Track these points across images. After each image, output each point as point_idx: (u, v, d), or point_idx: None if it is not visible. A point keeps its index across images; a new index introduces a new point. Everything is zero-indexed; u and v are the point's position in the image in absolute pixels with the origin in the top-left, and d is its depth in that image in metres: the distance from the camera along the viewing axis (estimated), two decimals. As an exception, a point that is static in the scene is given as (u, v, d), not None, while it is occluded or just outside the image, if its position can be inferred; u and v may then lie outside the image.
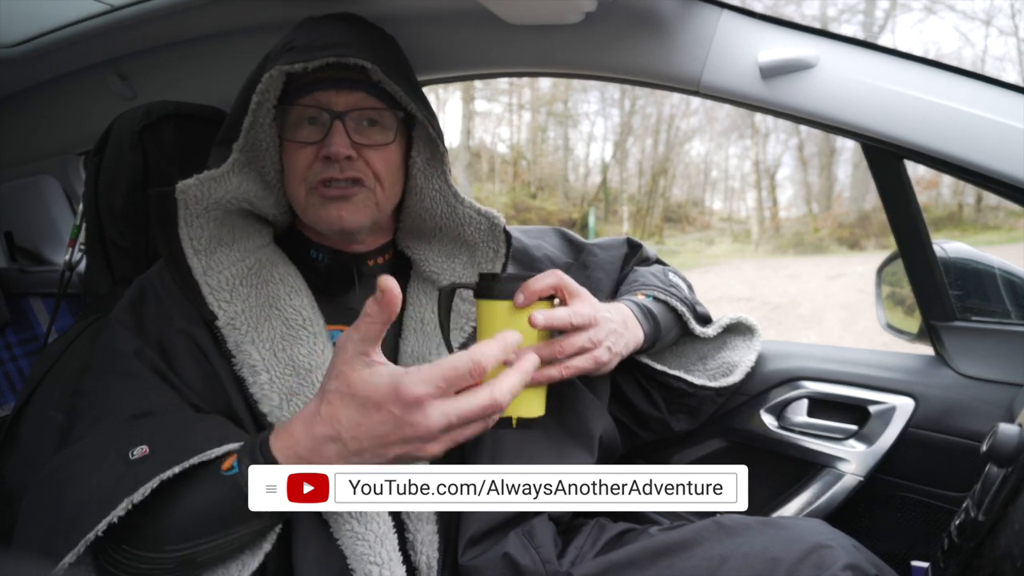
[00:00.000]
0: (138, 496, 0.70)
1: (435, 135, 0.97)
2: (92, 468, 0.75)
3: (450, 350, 0.91)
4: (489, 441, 0.94)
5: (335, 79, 0.92)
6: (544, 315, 0.82)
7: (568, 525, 1.02)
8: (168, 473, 0.72)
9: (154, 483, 0.71)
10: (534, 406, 0.85)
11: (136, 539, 0.73)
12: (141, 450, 0.75)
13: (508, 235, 1.02)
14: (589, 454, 0.99)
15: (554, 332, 0.87)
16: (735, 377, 1.18)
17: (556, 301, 0.88)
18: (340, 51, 0.90)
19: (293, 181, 0.94)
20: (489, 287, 0.84)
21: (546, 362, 0.84)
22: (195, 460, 0.74)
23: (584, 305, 0.88)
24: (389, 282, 0.67)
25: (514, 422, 0.83)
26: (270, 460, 0.72)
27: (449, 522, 0.91)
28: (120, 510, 0.69)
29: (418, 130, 0.99)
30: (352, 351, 0.69)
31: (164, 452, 0.74)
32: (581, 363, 0.87)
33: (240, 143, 0.90)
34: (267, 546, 0.79)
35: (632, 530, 0.99)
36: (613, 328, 0.92)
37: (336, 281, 0.99)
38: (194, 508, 0.74)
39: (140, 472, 0.72)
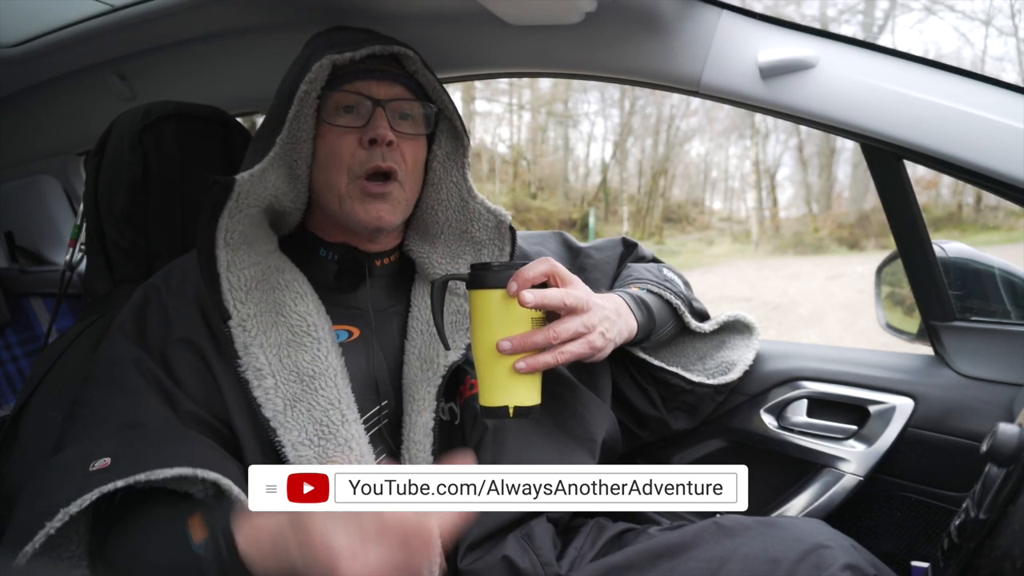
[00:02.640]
0: (74, 508, 0.69)
1: (461, 129, 1.01)
2: (58, 480, 0.75)
3: (444, 342, 0.91)
4: (490, 443, 0.94)
5: (375, 71, 0.95)
6: (534, 293, 0.82)
7: (567, 526, 1.02)
8: (110, 486, 0.71)
9: (94, 495, 0.70)
10: (530, 395, 0.85)
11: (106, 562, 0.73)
12: (102, 462, 0.74)
13: (513, 232, 1.03)
14: (590, 456, 0.99)
15: (547, 319, 0.87)
16: (733, 375, 1.18)
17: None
18: (383, 41, 0.95)
19: (335, 168, 0.94)
20: (482, 277, 0.84)
21: (540, 349, 0.85)
22: (141, 477, 0.72)
23: (577, 290, 0.89)
24: None
25: (511, 411, 0.83)
26: (230, 541, 0.67)
27: None
28: (56, 521, 0.68)
29: (441, 124, 1.02)
30: None
31: (122, 465, 0.73)
32: (576, 348, 0.87)
33: (283, 135, 0.91)
34: None
35: (631, 530, 0.99)
36: (606, 315, 0.92)
37: (346, 280, 1.00)
38: (150, 555, 0.72)
39: (89, 483, 0.71)
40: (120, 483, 0.72)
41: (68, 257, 1.43)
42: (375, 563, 0.59)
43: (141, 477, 0.73)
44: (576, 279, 0.91)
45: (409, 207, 1.00)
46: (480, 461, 0.93)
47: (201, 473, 0.75)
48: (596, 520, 1.02)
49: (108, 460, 0.74)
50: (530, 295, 0.82)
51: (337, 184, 0.94)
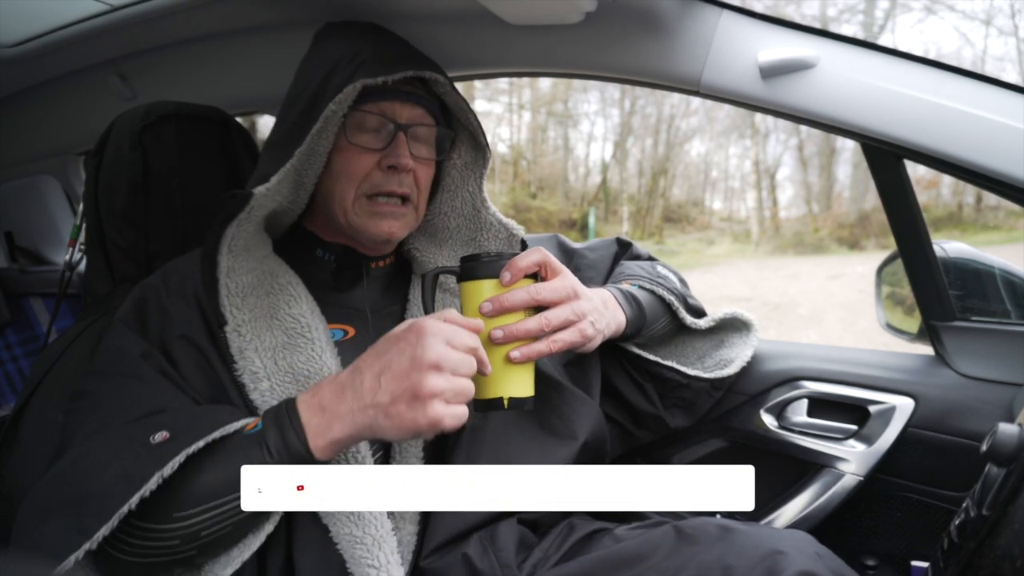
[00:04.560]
0: (168, 470, 0.71)
1: (484, 143, 1.03)
2: (114, 456, 0.76)
3: None
4: (466, 441, 0.94)
5: (401, 92, 0.95)
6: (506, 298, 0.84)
7: (551, 525, 1.01)
8: (194, 447, 0.73)
9: (181, 457, 0.72)
10: (524, 386, 0.85)
11: (146, 513, 0.73)
12: (161, 435, 0.76)
13: (525, 246, 1.04)
14: (570, 454, 0.99)
15: (538, 308, 0.88)
16: (730, 370, 1.18)
17: (539, 279, 0.90)
18: (414, 65, 0.94)
19: (345, 183, 0.94)
20: (473, 268, 0.85)
21: (534, 338, 0.85)
22: (218, 434, 0.76)
23: (566, 280, 0.90)
24: None
25: (505, 402, 0.83)
26: (293, 410, 0.77)
27: (428, 524, 0.91)
28: (152, 484, 0.71)
29: (462, 134, 1.04)
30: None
31: (184, 433, 0.76)
32: (568, 336, 0.88)
33: (303, 149, 0.90)
34: (270, 527, 0.79)
35: (601, 531, 0.98)
36: (595, 306, 0.93)
37: (342, 279, 1.00)
38: (213, 472, 0.75)
39: (165, 451, 0.73)
40: (201, 443, 0.74)
41: (68, 257, 1.43)
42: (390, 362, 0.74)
43: (217, 434, 0.76)
44: (566, 270, 0.92)
45: (418, 222, 1.01)
46: (455, 459, 0.93)
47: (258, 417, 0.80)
48: (569, 520, 1.01)
49: (166, 433, 0.76)
50: (507, 274, 0.85)
51: (345, 199, 0.94)
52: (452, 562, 0.89)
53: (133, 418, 0.81)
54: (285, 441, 0.75)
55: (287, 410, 0.77)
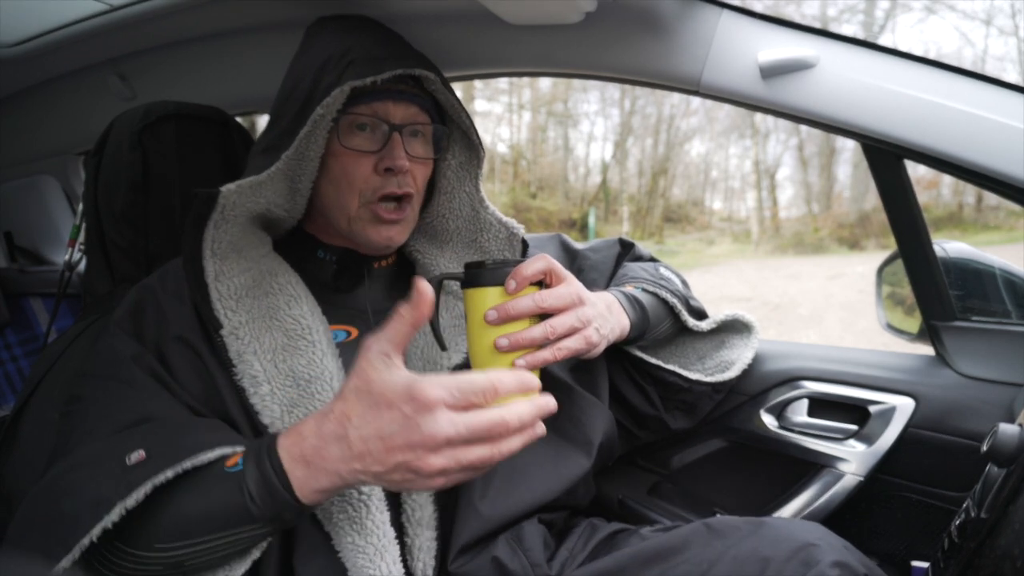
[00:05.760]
0: (131, 501, 0.70)
1: (477, 143, 1.02)
2: (90, 476, 0.75)
3: (441, 343, 0.90)
4: None
5: (392, 91, 0.93)
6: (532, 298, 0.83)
7: (563, 527, 1.01)
8: (161, 477, 0.71)
9: (147, 487, 0.71)
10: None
11: (129, 536, 0.73)
12: (138, 455, 0.74)
13: (525, 246, 1.04)
14: (587, 458, 0.99)
15: (542, 315, 0.87)
16: (731, 373, 1.18)
17: (543, 285, 0.89)
18: (404, 63, 0.92)
19: (347, 190, 0.93)
20: (477, 275, 0.84)
21: (538, 345, 0.85)
22: (188, 464, 0.73)
23: (571, 286, 0.89)
24: (423, 285, 0.68)
25: None
26: (275, 459, 0.71)
27: (448, 529, 0.91)
28: (114, 515, 0.69)
29: (455, 133, 1.03)
30: (376, 351, 0.69)
31: (160, 456, 0.74)
32: (573, 344, 0.87)
33: (291, 152, 0.89)
34: (256, 553, 0.78)
35: (624, 531, 0.98)
36: (599, 312, 0.92)
37: (344, 281, 1.00)
38: (193, 508, 0.73)
39: (135, 477, 0.72)
40: (170, 472, 0.72)
41: (67, 257, 1.43)
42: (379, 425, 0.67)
43: (187, 464, 0.73)
44: (571, 276, 0.91)
45: (414, 222, 1.01)
46: None
47: (240, 448, 0.77)
48: (589, 520, 1.02)
49: (143, 452, 0.74)
50: (512, 283, 0.83)
51: (348, 206, 0.94)
52: (481, 564, 0.89)
53: (122, 425, 0.81)
54: (269, 490, 0.71)
55: (269, 457, 0.72)
